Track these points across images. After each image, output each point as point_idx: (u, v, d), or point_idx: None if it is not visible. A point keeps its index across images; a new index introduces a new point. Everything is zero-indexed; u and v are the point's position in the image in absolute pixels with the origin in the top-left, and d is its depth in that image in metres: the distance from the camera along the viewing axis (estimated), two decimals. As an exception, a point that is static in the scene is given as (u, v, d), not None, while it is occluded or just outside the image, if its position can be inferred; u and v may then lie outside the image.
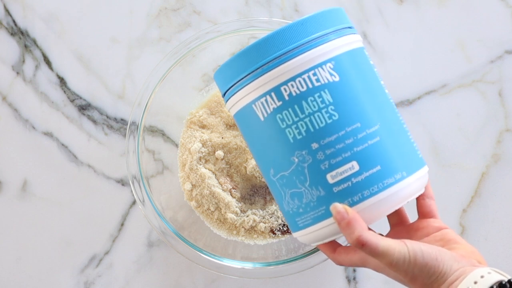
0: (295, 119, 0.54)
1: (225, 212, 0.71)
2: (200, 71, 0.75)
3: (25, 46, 0.78)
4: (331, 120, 0.53)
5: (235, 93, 0.56)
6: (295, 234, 0.57)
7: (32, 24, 0.79)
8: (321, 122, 0.53)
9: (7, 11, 0.79)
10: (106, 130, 0.77)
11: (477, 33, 0.78)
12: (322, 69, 0.53)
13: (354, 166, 0.53)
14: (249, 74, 0.55)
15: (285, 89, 0.54)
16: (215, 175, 0.72)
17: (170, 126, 0.74)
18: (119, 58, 0.78)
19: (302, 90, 0.53)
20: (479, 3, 0.78)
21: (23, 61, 0.78)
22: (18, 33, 0.79)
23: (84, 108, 0.78)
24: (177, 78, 0.72)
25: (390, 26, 0.78)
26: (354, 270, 0.75)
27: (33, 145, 0.77)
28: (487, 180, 0.77)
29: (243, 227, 0.71)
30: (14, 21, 0.79)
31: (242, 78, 0.55)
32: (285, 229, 0.72)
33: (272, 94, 0.54)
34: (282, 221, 0.72)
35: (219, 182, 0.71)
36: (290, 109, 0.54)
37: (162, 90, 0.71)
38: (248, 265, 0.69)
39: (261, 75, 0.54)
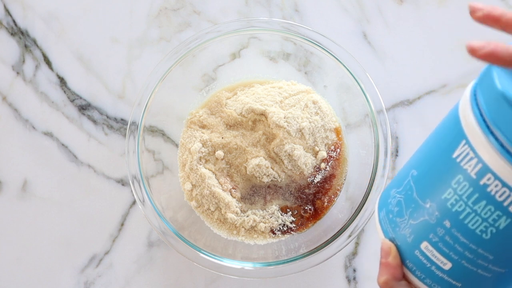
0: (464, 198, 0.48)
1: (225, 212, 0.71)
2: (200, 71, 0.75)
3: (25, 46, 0.78)
4: (480, 234, 0.48)
5: None
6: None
7: (32, 24, 0.79)
8: (473, 225, 0.48)
9: (7, 11, 0.79)
10: (106, 130, 0.77)
11: (477, 33, 0.78)
12: None
13: (446, 263, 0.50)
14: None
15: (489, 178, 0.47)
16: (215, 175, 0.72)
17: (170, 126, 0.74)
18: (119, 58, 0.78)
19: (498, 198, 0.47)
20: (479, 3, 0.78)
21: (23, 61, 0.78)
22: (18, 33, 0.79)
23: (84, 108, 0.78)
24: (177, 78, 0.72)
25: (390, 26, 0.78)
26: (354, 270, 0.75)
27: (33, 145, 0.77)
28: (487, 180, 0.77)
29: (243, 227, 0.71)
30: (14, 21, 0.79)
31: None
32: (285, 229, 0.72)
33: (479, 166, 0.46)
34: (282, 221, 0.72)
35: (219, 182, 0.71)
36: (471, 189, 0.47)
37: (162, 90, 0.71)
38: (248, 265, 0.69)
39: None
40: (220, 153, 0.72)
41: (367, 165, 0.70)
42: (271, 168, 0.71)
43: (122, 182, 0.76)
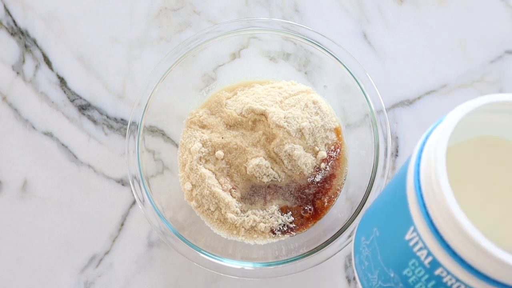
0: (423, 281, 0.45)
1: (225, 212, 0.71)
2: (200, 71, 0.75)
3: (25, 46, 0.78)
4: None
5: None
6: None
7: (32, 24, 0.79)
8: None
9: (7, 11, 0.79)
10: (106, 130, 0.77)
11: (477, 33, 0.78)
12: None
13: None
14: None
15: (442, 271, 0.43)
16: (215, 175, 0.72)
17: (170, 126, 0.74)
18: (119, 58, 0.78)
19: None
20: (479, 3, 0.78)
21: (23, 61, 0.78)
22: (18, 33, 0.79)
23: (84, 108, 0.78)
24: (177, 78, 0.72)
25: (390, 26, 0.78)
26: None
27: (33, 145, 0.77)
28: (487, 180, 0.77)
29: (243, 227, 0.71)
30: (14, 21, 0.79)
31: None
32: (285, 229, 0.72)
33: (429, 258, 0.43)
34: (282, 221, 0.72)
35: (219, 182, 0.71)
36: (427, 275, 0.44)
37: (162, 90, 0.71)
38: (248, 265, 0.69)
39: None
40: (220, 153, 0.72)
41: (367, 165, 0.70)
42: (271, 168, 0.71)
43: (122, 182, 0.76)
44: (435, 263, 0.43)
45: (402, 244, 0.45)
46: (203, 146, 0.72)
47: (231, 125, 0.73)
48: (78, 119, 0.78)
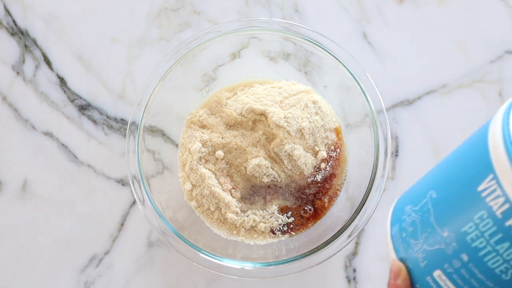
0: (486, 236, 0.45)
1: (225, 212, 0.71)
2: (200, 71, 0.75)
3: (25, 46, 0.78)
4: (500, 274, 0.44)
5: None
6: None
7: (32, 24, 0.79)
8: (492, 264, 0.45)
9: (7, 11, 0.79)
10: (106, 130, 0.77)
11: (477, 33, 0.78)
12: None
13: None
14: None
15: None
16: (215, 175, 0.72)
17: (170, 126, 0.74)
18: (119, 58, 0.78)
19: None
20: (479, 3, 0.78)
21: (23, 61, 0.78)
22: (18, 33, 0.79)
23: (84, 108, 0.78)
24: (177, 78, 0.72)
25: (390, 26, 0.78)
26: (354, 270, 0.75)
27: (33, 145, 0.77)
28: (487, 180, 0.77)
29: (243, 227, 0.71)
30: (14, 21, 0.79)
31: None
32: (285, 229, 0.72)
33: (506, 205, 0.43)
34: (282, 221, 0.72)
35: (219, 182, 0.71)
36: (495, 227, 0.44)
37: (162, 90, 0.71)
38: (248, 265, 0.69)
39: None
40: (220, 153, 0.72)
41: (367, 165, 0.70)
42: (271, 168, 0.71)
43: (122, 182, 0.76)
44: (511, 211, 0.43)
45: (471, 197, 0.45)
46: (203, 146, 0.72)
47: (231, 125, 0.73)
48: (78, 119, 0.78)
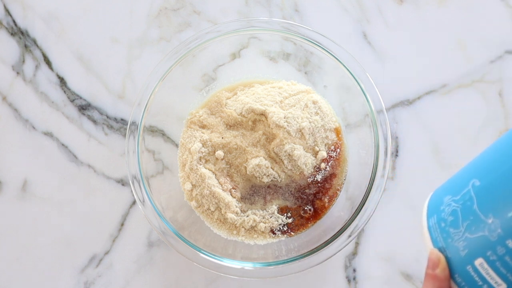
0: None
1: (225, 212, 0.71)
2: (200, 71, 0.75)
3: (25, 46, 0.78)
4: None
5: None
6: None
7: (32, 24, 0.79)
8: None
9: (7, 11, 0.79)
10: (106, 130, 0.77)
11: (477, 33, 0.78)
12: None
13: (501, 284, 0.46)
14: None
15: None
16: (215, 175, 0.72)
17: (170, 126, 0.74)
18: (119, 58, 0.78)
19: None
20: (479, 3, 0.78)
21: (23, 61, 0.78)
22: (18, 33, 0.79)
23: (84, 108, 0.78)
24: (177, 78, 0.72)
25: (390, 26, 0.78)
26: (354, 270, 0.75)
27: (33, 145, 0.77)
28: (487, 180, 0.77)
29: (243, 227, 0.71)
30: (14, 21, 0.79)
31: None
32: (285, 229, 0.72)
33: None
34: (282, 221, 0.72)
35: (219, 182, 0.71)
36: None
37: (162, 90, 0.71)
38: (248, 265, 0.69)
39: None
40: (220, 153, 0.72)
41: (367, 165, 0.70)
42: (271, 168, 0.71)
43: (122, 182, 0.76)
44: None
45: None
46: (203, 146, 0.72)
47: (231, 125, 0.73)
48: (78, 119, 0.78)
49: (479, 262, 0.47)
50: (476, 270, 0.47)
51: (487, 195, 0.46)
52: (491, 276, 0.46)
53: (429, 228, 0.51)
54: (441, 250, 0.49)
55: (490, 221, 0.45)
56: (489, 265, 0.46)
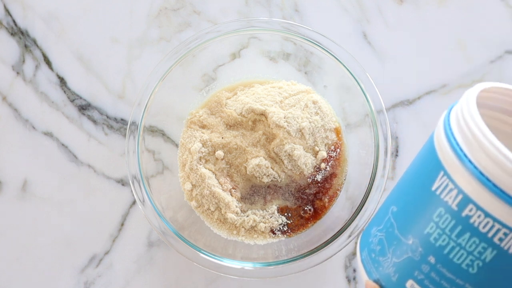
0: (447, 232, 0.47)
1: (225, 212, 0.71)
2: (200, 71, 0.75)
3: (25, 46, 0.78)
4: (467, 268, 0.47)
5: None
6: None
7: (32, 24, 0.79)
8: (458, 259, 0.47)
9: (7, 11, 0.79)
10: (106, 130, 0.77)
11: (477, 33, 0.78)
12: None
13: None
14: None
15: (471, 209, 0.45)
16: (215, 175, 0.72)
17: (170, 126, 0.74)
18: (119, 58, 0.78)
19: (481, 230, 0.46)
20: (479, 3, 0.78)
21: (23, 61, 0.78)
22: (18, 33, 0.79)
23: (84, 108, 0.78)
24: (177, 78, 0.72)
25: (390, 26, 0.78)
26: (354, 270, 0.75)
27: (33, 145, 0.77)
28: (487, 180, 0.77)
29: (243, 227, 0.71)
30: (14, 21, 0.79)
31: None
32: (285, 229, 0.72)
33: (460, 196, 0.46)
34: (282, 221, 0.72)
35: (219, 182, 0.71)
36: (453, 221, 0.47)
37: (162, 90, 0.71)
38: (248, 265, 0.69)
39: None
40: (220, 153, 0.72)
41: (367, 165, 0.70)
42: (271, 168, 0.71)
43: (122, 182, 0.77)
44: (464, 202, 0.45)
45: (428, 198, 0.47)
46: (203, 146, 0.72)
47: (231, 125, 0.73)
48: (78, 119, 0.78)
49: (410, 284, 0.49)
50: None
51: (404, 218, 0.49)
52: None
53: (362, 261, 0.53)
54: (376, 281, 0.51)
55: (410, 242, 0.48)
56: (418, 284, 0.48)
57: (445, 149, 0.47)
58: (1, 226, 0.76)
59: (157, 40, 0.78)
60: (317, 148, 0.72)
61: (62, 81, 0.78)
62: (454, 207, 0.46)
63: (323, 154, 0.72)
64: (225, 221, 0.71)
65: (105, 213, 0.76)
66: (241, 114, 0.72)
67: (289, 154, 0.71)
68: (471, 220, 0.45)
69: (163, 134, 0.74)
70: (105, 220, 0.76)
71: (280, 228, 0.72)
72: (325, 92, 0.75)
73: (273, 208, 0.72)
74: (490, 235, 0.45)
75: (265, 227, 0.71)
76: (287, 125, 0.71)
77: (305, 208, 0.72)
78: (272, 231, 0.72)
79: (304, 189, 0.72)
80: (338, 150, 0.73)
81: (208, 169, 0.72)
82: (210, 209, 0.71)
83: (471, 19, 0.78)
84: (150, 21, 0.78)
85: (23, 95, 0.78)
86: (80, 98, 0.78)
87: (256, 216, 0.71)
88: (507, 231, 0.45)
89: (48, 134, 0.77)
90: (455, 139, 0.47)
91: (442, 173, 0.47)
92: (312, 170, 0.72)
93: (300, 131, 0.71)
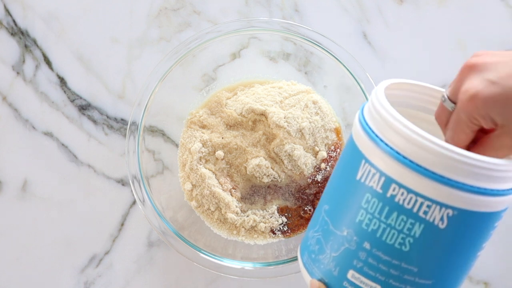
0: (376, 215, 0.49)
1: (225, 212, 0.71)
2: (200, 71, 0.75)
3: (25, 46, 0.78)
4: (400, 247, 0.49)
5: None
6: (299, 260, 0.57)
7: (32, 24, 0.79)
8: (390, 240, 0.49)
9: (7, 11, 0.79)
10: (106, 130, 0.77)
11: (477, 33, 0.78)
12: (439, 210, 0.48)
13: (376, 286, 0.50)
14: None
15: (394, 188, 0.48)
16: (215, 175, 0.72)
17: (170, 126, 0.74)
18: (119, 58, 0.78)
19: (406, 206, 0.48)
20: (479, 3, 0.78)
21: (23, 61, 0.78)
22: (18, 33, 0.79)
23: (84, 108, 0.78)
24: (177, 78, 0.72)
25: (390, 26, 0.78)
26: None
27: (33, 145, 0.77)
28: (487, 180, 0.77)
29: (243, 227, 0.71)
30: (14, 21, 0.79)
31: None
32: (285, 229, 0.72)
33: (382, 179, 0.49)
34: (282, 221, 0.72)
35: (219, 182, 0.71)
36: (380, 203, 0.49)
37: (162, 90, 0.71)
38: (248, 265, 0.69)
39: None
40: (220, 153, 0.72)
41: (367, 165, 0.70)
42: (271, 168, 0.71)
43: (122, 182, 0.76)
44: (387, 182, 0.48)
45: (354, 187, 0.50)
46: (203, 146, 0.72)
47: (231, 125, 0.73)
48: (78, 119, 0.78)
49: (350, 274, 0.51)
50: (351, 283, 0.51)
51: (336, 213, 0.52)
52: (365, 282, 0.50)
53: (304, 264, 0.55)
54: (320, 279, 0.53)
55: (345, 233, 0.50)
56: (359, 273, 0.50)
57: (362, 138, 0.50)
58: (1, 226, 0.76)
59: (157, 40, 0.78)
60: (317, 148, 0.72)
61: (62, 81, 0.78)
62: (379, 190, 0.48)
63: (323, 154, 0.72)
64: (225, 221, 0.71)
65: (105, 213, 0.76)
66: (241, 114, 0.72)
67: (289, 154, 0.71)
68: (396, 199, 0.48)
69: (163, 134, 0.74)
70: (105, 220, 0.76)
71: (280, 228, 0.72)
72: (325, 92, 0.75)
73: (273, 208, 0.72)
74: (415, 210, 0.48)
75: (265, 227, 0.71)
76: (287, 125, 0.71)
77: (305, 208, 0.72)
78: (272, 231, 0.72)
79: (304, 189, 0.72)
80: (338, 150, 0.73)
81: (208, 169, 0.72)
82: (210, 209, 0.71)
83: (471, 19, 0.78)
84: (150, 21, 0.78)
85: (23, 95, 0.78)
86: (80, 98, 0.78)
87: (256, 216, 0.71)
88: (429, 203, 0.47)
89: (48, 134, 0.77)
90: (368, 126, 0.50)
91: (363, 161, 0.50)
92: (312, 170, 0.72)
93: (300, 131, 0.71)
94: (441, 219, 0.48)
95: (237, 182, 0.72)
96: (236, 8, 0.79)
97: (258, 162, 0.71)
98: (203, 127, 0.73)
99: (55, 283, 0.76)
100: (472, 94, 0.47)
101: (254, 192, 0.72)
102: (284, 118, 0.71)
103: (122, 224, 0.76)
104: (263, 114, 0.72)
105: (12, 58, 0.78)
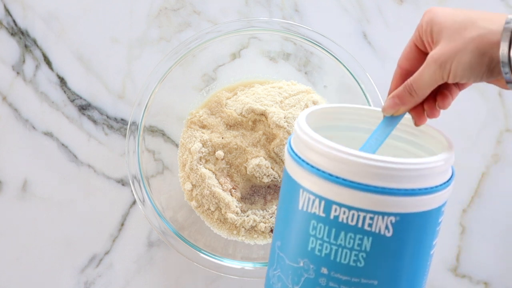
0: (325, 239, 0.50)
1: (225, 212, 0.71)
2: (200, 71, 0.75)
3: (25, 46, 0.78)
4: (355, 264, 0.50)
5: None
6: None
7: (32, 24, 0.79)
8: (345, 260, 0.50)
9: (7, 11, 0.79)
10: (106, 130, 0.77)
11: (477, 33, 0.78)
12: (382, 219, 0.49)
13: None
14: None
15: (335, 209, 0.49)
16: (215, 175, 0.72)
17: (170, 126, 0.74)
18: (119, 58, 0.78)
19: (351, 223, 0.49)
20: (479, 3, 0.78)
21: (23, 61, 0.78)
22: (18, 33, 0.79)
23: (84, 108, 0.78)
24: (177, 78, 0.72)
25: (390, 26, 0.78)
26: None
27: (33, 145, 0.77)
28: (487, 180, 0.77)
29: (243, 227, 0.71)
30: (14, 21, 0.79)
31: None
32: (285, 229, 0.72)
33: (322, 202, 0.50)
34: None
35: (219, 182, 0.71)
36: (327, 227, 0.50)
37: (162, 90, 0.71)
38: (248, 265, 0.69)
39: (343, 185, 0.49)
40: (220, 153, 0.72)
41: (367, 165, 0.70)
42: (271, 168, 0.71)
43: (122, 182, 0.77)
44: (327, 205, 0.49)
45: (299, 217, 0.51)
46: (203, 146, 0.72)
47: (231, 125, 0.73)
48: (78, 119, 0.78)
49: None
50: None
51: (289, 246, 0.53)
52: None
53: None
54: None
55: (301, 264, 0.51)
56: None
57: (293, 167, 0.52)
58: (1, 226, 0.76)
59: (157, 40, 0.78)
60: (317, 148, 0.72)
61: (62, 81, 0.78)
62: (321, 214, 0.49)
63: (323, 154, 0.72)
64: (225, 221, 0.71)
65: (105, 213, 0.76)
66: (241, 114, 0.72)
67: (289, 154, 0.71)
68: (340, 219, 0.49)
69: (163, 134, 0.74)
70: (105, 220, 0.76)
71: (280, 228, 0.72)
72: (325, 92, 0.75)
73: (273, 208, 0.72)
74: (360, 225, 0.49)
75: (265, 227, 0.71)
76: (287, 125, 0.71)
77: (305, 208, 0.72)
78: (272, 231, 0.72)
79: (304, 189, 0.72)
80: (338, 150, 0.73)
81: (208, 169, 0.72)
82: (210, 209, 0.71)
83: (471, 19, 0.78)
84: (150, 21, 0.78)
85: (23, 95, 0.78)
86: (80, 98, 0.78)
87: (256, 216, 0.71)
88: (371, 215, 0.48)
89: (48, 134, 0.77)
90: (295, 153, 0.52)
91: (301, 190, 0.51)
92: (312, 170, 0.72)
93: (300, 131, 0.71)
94: (386, 227, 0.49)
95: (237, 182, 0.72)
96: (236, 8, 0.79)
97: (258, 162, 0.71)
98: (203, 127, 0.73)
99: (55, 283, 0.76)
100: (430, 8, 0.53)
101: (254, 192, 0.72)
102: (284, 118, 0.71)
103: (122, 224, 0.76)
104: (263, 114, 0.72)
105: (12, 58, 0.78)
